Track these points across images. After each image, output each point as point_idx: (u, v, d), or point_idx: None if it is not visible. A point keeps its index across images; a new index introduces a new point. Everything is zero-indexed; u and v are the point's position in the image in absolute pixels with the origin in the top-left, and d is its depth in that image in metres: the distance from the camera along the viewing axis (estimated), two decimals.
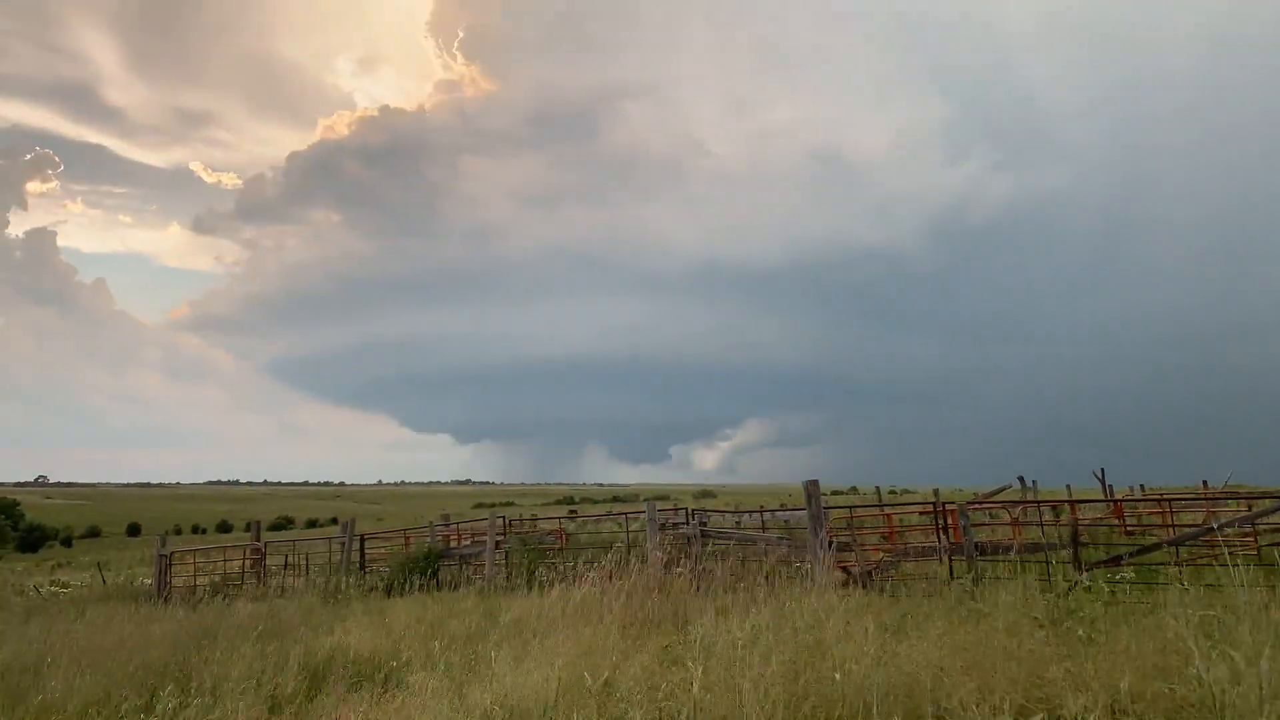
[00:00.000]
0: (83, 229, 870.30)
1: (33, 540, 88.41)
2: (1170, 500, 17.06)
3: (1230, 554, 11.16)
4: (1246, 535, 12.60)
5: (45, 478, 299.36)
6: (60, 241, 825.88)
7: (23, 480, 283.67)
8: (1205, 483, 24.94)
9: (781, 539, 13.96)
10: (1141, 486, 31.31)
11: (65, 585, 29.25)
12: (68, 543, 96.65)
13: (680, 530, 14.95)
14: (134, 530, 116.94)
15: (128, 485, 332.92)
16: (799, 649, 6.19)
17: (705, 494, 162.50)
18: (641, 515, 15.32)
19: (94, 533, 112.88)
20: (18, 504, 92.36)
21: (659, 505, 16.26)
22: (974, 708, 4.78)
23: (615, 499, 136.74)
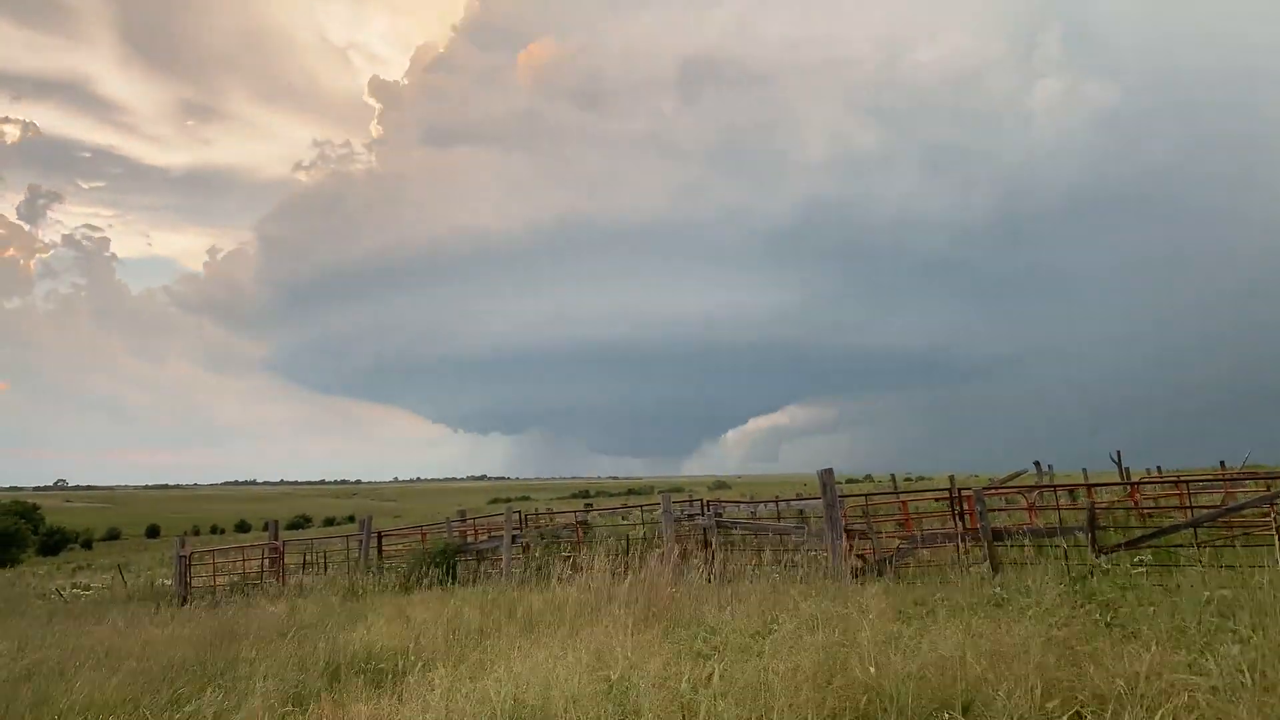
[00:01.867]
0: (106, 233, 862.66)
1: (53, 543, 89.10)
2: (1188, 482, 16.95)
3: (1249, 534, 11.16)
4: (1266, 516, 12.53)
5: (65, 481, 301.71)
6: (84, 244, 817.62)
7: (43, 485, 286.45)
8: (1223, 463, 24.77)
9: (798, 528, 13.97)
10: (1158, 469, 31.15)
11: (86, 588, 29.54)
12: (88, 545, 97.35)
13: (695, 521, 14.98)
14: (153, 532, 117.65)
15: (147, 487, 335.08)
16: (827, 643, 6.20)
17: (720, 485, 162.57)
18: (657, 507, 15.36)
19: (114, 535, 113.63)
20: (38, 508, 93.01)
21: (674, 497, 16.28)
22: (1002, 695, 4.78)
23: (631, 491, 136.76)
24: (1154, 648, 5.21)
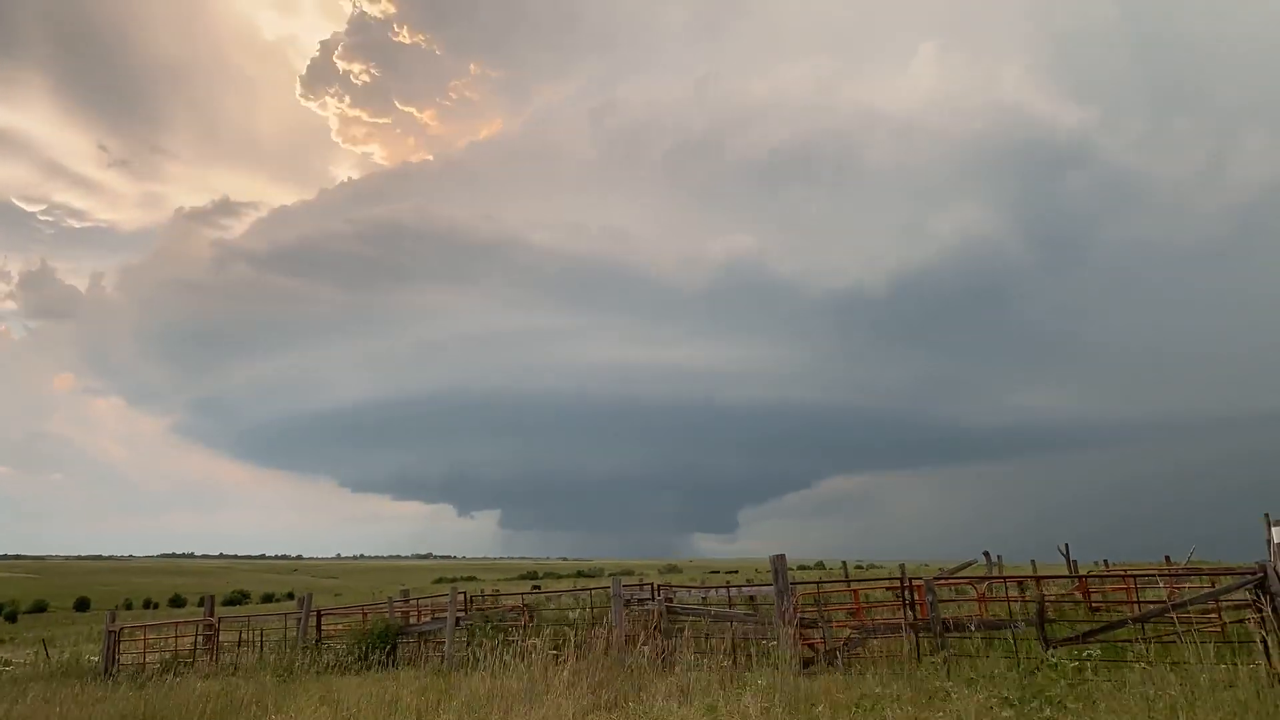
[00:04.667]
0: None
1: None
2: (1134, 576, 17.08)
3: (1194, 631, 11.26)
4: (1210, 612, 12.65)
5: None
6: None
7: None
8: (1168, 558, 25.10)
9: (748, 615, 13.81)
10: (1106, 562, 31.41)
11: (7, 663, 28.19)
12: (12, 618, 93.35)
13: (645, 606, 14.74)
14: (82, 605, 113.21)
15: (78, 558, 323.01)
16: None
17: (671, 569, 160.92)
18: (606, 590, 15.11)
19: (40, 607, 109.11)
20: None
21: (624, 580, 16.05)
22: None
23: (580, 574, 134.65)
24: None
